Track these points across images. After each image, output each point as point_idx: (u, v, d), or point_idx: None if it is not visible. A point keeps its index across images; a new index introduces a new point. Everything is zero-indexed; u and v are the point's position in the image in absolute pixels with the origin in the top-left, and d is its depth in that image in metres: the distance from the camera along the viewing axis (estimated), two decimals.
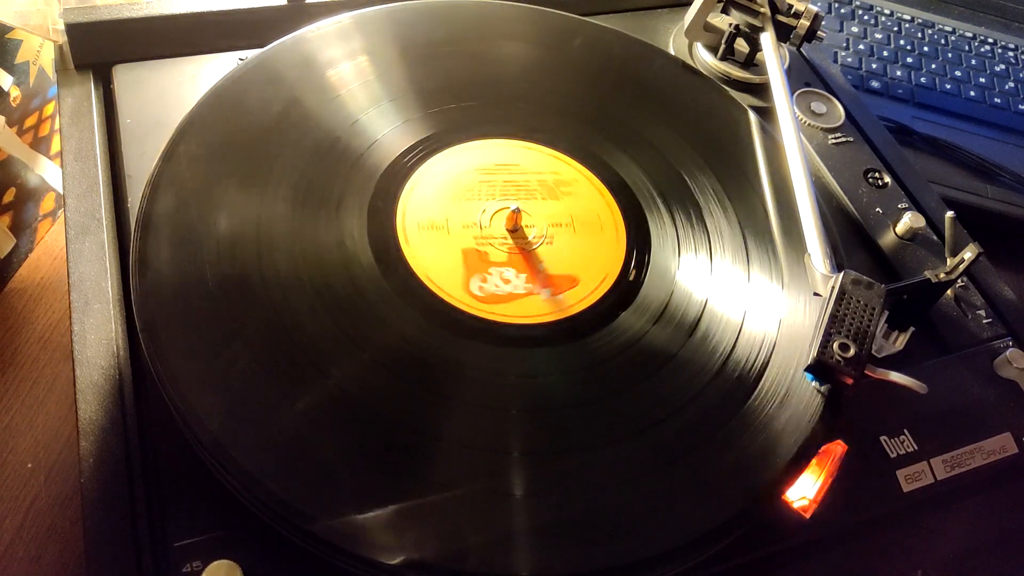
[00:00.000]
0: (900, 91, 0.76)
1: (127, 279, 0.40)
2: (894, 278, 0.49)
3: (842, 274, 0.39)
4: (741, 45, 0.57)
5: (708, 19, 0.57)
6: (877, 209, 0.52)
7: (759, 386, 0.40)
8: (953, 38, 0.83)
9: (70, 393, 0.51)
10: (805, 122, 0.56)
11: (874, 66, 0.77)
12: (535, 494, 0.36)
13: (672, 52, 0.59)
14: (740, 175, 0.49)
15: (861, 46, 0.79)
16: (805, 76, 0.60)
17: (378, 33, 0.51)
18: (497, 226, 0.45)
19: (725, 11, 0.57)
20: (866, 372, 0.37)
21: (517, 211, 0.44)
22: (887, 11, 0.84)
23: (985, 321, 0.48)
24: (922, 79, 0.77)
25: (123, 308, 0.41)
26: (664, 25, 0.62)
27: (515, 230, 0.45)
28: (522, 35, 0.54)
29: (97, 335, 0.40)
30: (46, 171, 0.59)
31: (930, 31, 0.83)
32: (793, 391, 0.40)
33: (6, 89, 0.54)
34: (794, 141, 0.48)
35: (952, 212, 0.48)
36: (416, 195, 0.45)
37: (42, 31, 0.51)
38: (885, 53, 0.79)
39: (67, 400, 0.51)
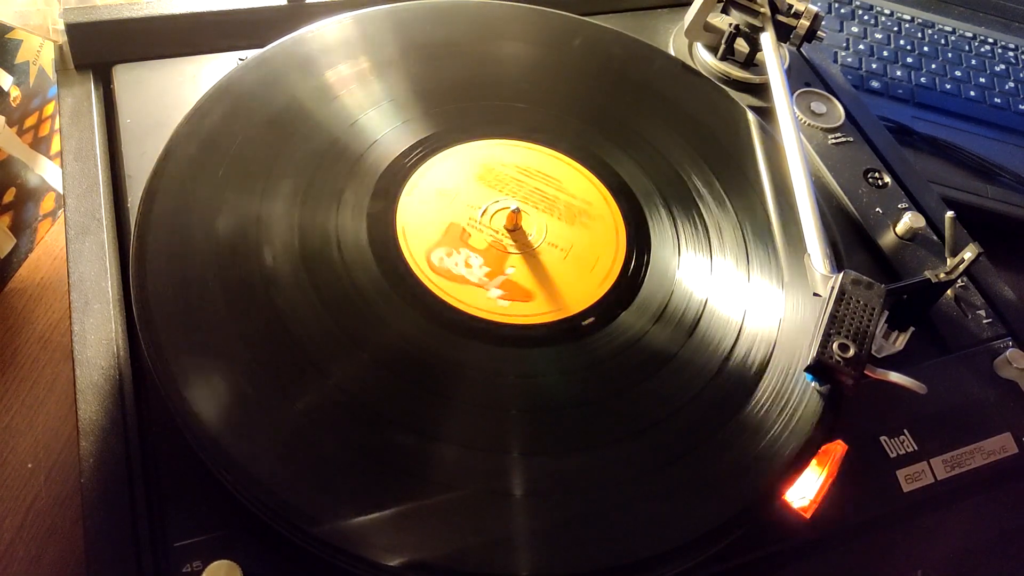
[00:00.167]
0: (900, 91, 0.76)
1: (127, 279, 0.40)
2: (894, 278, 0.49)
3: (842, 274, 0.39)
4: (741, 45, 0.57)
5: (708, 19, 0.57)
6: (877, 209, 0.52)
7: (759, 386, 0.40)
8: (953, 38, 0.83)
9: (70, 393, 0.51)
10: (805, 122, 0.56)
11: (874, 66, 0.77)
12: (535, 494, 0.36)
13: (672, 52, 0.59)
14: (740, 175, 0.49)
15: (861, 46, 0.79)
16: (805, 76, 0.60)
17: (378, 33, 0.51)
18: (499, 221, 0.45)
19: (725, 11, 0.57)
20: (866, 372, 0.37)
21: (517, 211, 0.44)
22: (887, 11, 0.84)
23: (985, 321, 0.48)
24: (922, 79, 0.77)
25: (123, 308, 0.41)
26: (664, 25, 0.62)
27: (515, 230, 0.45)
28: (522, 35, 0.54)
29: (97, 335, 0.40)
30: (46, 171, 0.59)
31: (930, 31, 0.83)
32: (793, 391, 0.40)
33: (6, 89, 0.54)
34: (794, 141, 0.48)
35: (952, 212, 0.48)
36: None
37: (42, 31, 0.51)
38: (885, 53, 0.79)
39: (67, 400, 0.51)
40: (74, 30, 0.50)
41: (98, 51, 0.51)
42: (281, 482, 0.34)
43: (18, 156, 0.56)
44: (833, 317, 0.38)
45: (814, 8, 0.54)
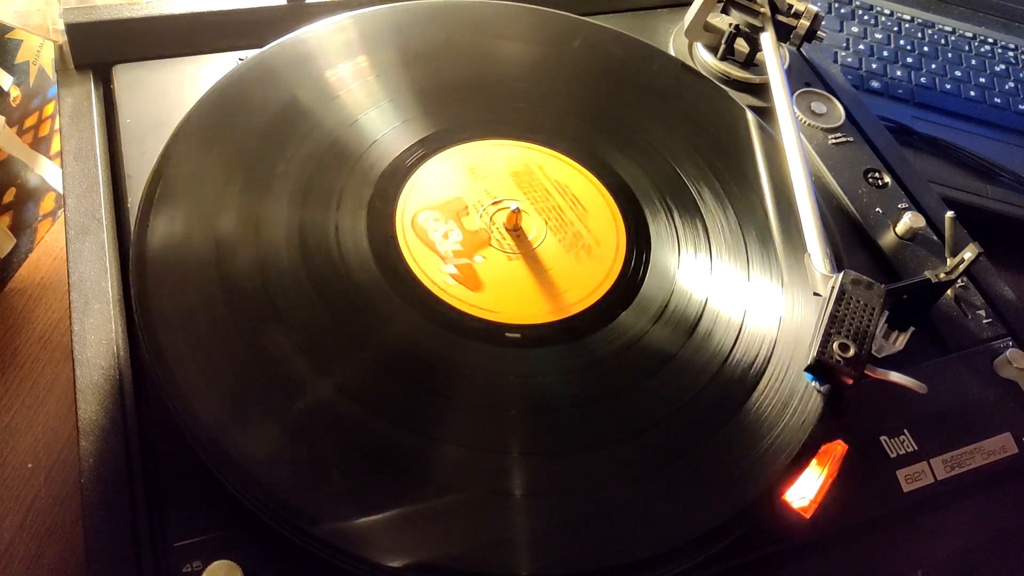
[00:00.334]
0: (900, 91, 0.76)
1: (127, 279, 0.41)
2: (894, 278, 0.49)
3: (842, 274, 0.39)
4: (741, 45, 0.57)
5: (708, 19, 0.57)
6: (877, 209, 0.52)
7: (759, 386, 0.40)
8: (953, 38, 0.83)
9: (70, 393, 0.51)
10: (805, 122, 0.56)
11: (874, 66, 0.77)
12: (535, 494, 0.36)
13: (672, 52, 0.59)
14: (740, 175, 0.49)
15: (861, 46, 0.79)
16: (805, 76, 0.60)
17: (378, 33, 0.51)
18: (503, 217, 0.45)
19: (725, 11, 0.57)
20: (866, 372, 0.37)
21: (517, 211, 0.44)
22: (887, 11, 0.84)
23: (985, 321, 0.48)
24: (922, 79, 0.77)
25: (123, 308, 0.41)
26: (664, 25, 0.62)
27: (515, 230, 0.45)
28: (522, 35, 0.54)
29: (97, 335, 0.40)
30: (46, 171, 0.59)
31: (930, 31, 0.83)
32: (793, 391, 0.40)
33: (6, 89, 0.54)
34: (794, 141, 0.48)
35: (952, 212, 0.48)
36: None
37: (42, 31, 0.51)
38: (885, 53, 0.79)
39: (67, 400, 0.51)
40: (74, 30, 0.50)
41: (98, 51, 0.51)
42: (281, 482, 0.34)
43: (18, 156, 0.56)
44: (833, 317, 0.38)
45: (814, 8, 0.54)
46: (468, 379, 0.39)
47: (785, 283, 0.44)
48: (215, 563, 0.33)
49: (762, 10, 0.55)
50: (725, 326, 0.42)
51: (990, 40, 0.83)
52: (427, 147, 0.47)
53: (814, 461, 0.39)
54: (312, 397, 0.37)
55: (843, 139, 0.56)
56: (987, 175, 0.69)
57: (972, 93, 0.77)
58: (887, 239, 0.51)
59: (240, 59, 0.51)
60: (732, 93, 0.55)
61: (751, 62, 0.58)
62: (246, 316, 0.38)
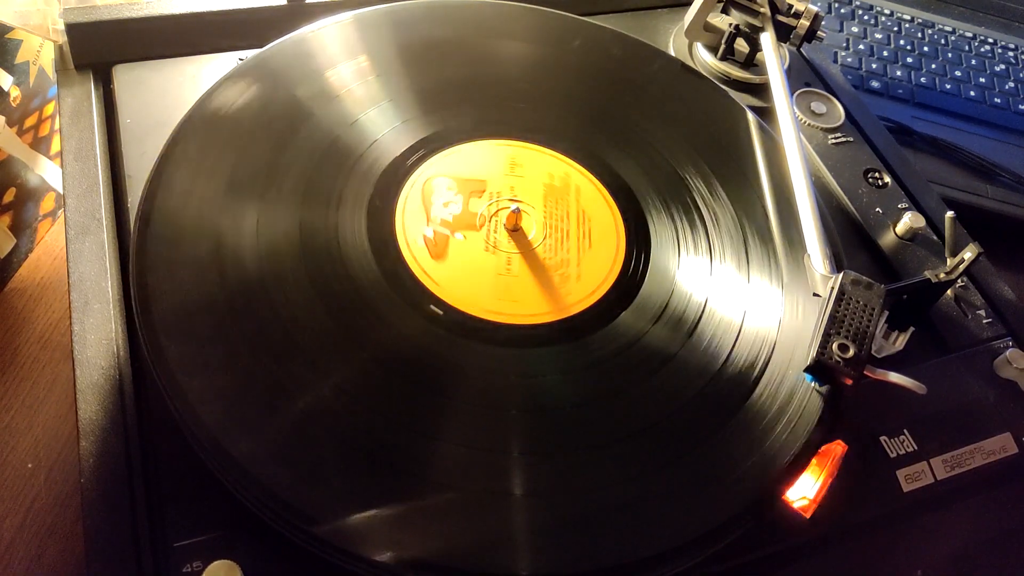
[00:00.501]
0: (900, 91, 0.76)
1: (127, 279, 0.40)
2: (894, 278, 0.49)
3: (841, 274, 0.39)
4: (741, 45, 0.57)
5: (708, 19, 0.57)
6: (877, 209, 0.52)
7: (759, 386, 0.40)
8: (953, 38, 0.83)
9: (70, 393, 0.51)
10: (805, 122, 0.56)
11: (874, 66, 0.77)
12: (535, 494, 0.36)
13: (672, 52, 0.59)
14: (740, 175, 0.49)
15: (861, 46, 0.79)
16: (805, 76, 0.60)
17: (378, 33, 0.51)
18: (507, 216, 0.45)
19: (725, 11, 0.57)
20: (865, 372, 0.37)
21: (517, 212, 0.44)
22: (887, 11, 0.84)
23: (985, 321, 0.48)
24: (922, 79, 0.77)
25: (123, 308, 0.41)
26: (664, 25, 0.62)
27: (515, 230, 0.45)
28: (522, 35, 0.54)
29: (97, 335, 0.40)
30: (46, 171, 0.59)
31: (930, 31, 0.83)
32: (793, 391, 0.40)
33: (6, 89, 0.54)
34: (794, 141, 0.48)
35: (952, 212, 0.48)
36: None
37: (42, 31, 0.51)
38: (885, 53, 0.79)
39: (67, 400, 0.51)
40: (74, 30, 0.50)
41: (98, 51, 0.51)
42: (281, 482, 0.34)
43: (18, 156, 0.56)
44: (833, 317, 0.38)
45: (814, 8, 0.54)
46: (468, 379, 0.39)
47: (785, 284, 0.44)
48: (215, 563, 0.33)
49: (762, 10, 0.55)
50: (725, 326, 0.42)
51: (990, 40, 0.83)
52: (427, 147, 0.47)
53: (814, 461, 0.39)
54: (312, 397, 0.37)
55: (843, 139, 0.56)
56: (987, 175, 0.69)
57: (972, 93, 0.77)
58: (887, 239, 0.51)
59: (240, 59, 0.51)
60: (732, 93, 0.55)
61: (751, 62, 0.58)
62: (246, 316, 0.38)
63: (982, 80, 0.79)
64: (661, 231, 0.46)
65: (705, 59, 0.58)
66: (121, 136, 0.47)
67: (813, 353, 0.37)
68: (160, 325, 0.37)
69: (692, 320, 0.42)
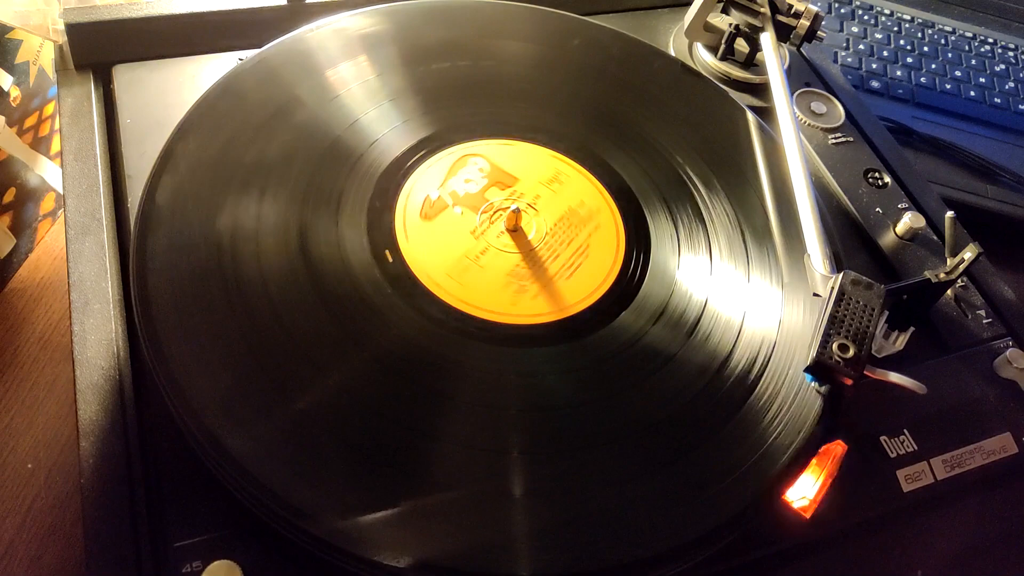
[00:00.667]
0: (900, 91, 0.76)
1: (127, 279, 0.41)
2: (894, 278, 0.49)
3: (841, 274, 0.39)
4: (741, 45, 0.57)
5: (708, 19, 0.57)
6: (877, 209, 0.52)
7: (759, 386, 0.40)
8: (953, 38, 0.83)
9: (70, 393, 0.51)
10: (805, 122, 0.56)
11: (874, 66, 0.77)
12: (535, 494, 0.36)
13: (672, 52, 0.59)
14: (740, 175, 0.49)
15: (861, 46, 0.79)
16: (805, 76, 0.60)
17: (378, 33, 0.51)
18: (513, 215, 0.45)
19: (725, 11, 0.57)
20: (865, 372, 0.37)
21: (517, 211, 0.44)
22: (887, 11, 0.84)
23: (985, 321, 0.48)
24: (922, 79, 0.77)
25: (123, 308, 0.41)
26: (664, 25, 0.62)
27: (515, 230, 0.45)
28: (522, 35, 0.54)
29: (97, 335, 0.40)
30: (46, 171, 0.59)
31: (930, 31, 0.83)
32: (793, 391, 0.40)
33: (6, 89, 0.54)
34: (794, 141, 0.48)
35: (952, 212, 0.48)
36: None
37: (42, 31, 0.51)
38: (885, 53, 0.79)
39: (67, 400, 0.51)
40: (74, 30, 0.50)
41: (98, 51, 0.51)
42: (281, 482, 0.34)
43: (18, 156, 0.56)
44: (833, 317, 0.38)
45: (814, 8, 0.54)
46: (468, 379, 0.39)
47: (785, 284, 0.44)
48: (215, 563, 0.33)
49: (762, 10, 0.55)
50: (725, 326, 0.42)
51: (990, 40, 0.83)
52: (427, 147, 0.47)
53: (814, 461, 0.39)
54: (312, 396, 0.37)
55: (843, 139, 0.56)
56: (987, 175, 0.69)
57: (972, 93, 0.77)
58: (887, 239, 0.51)
59: (240, 59, 0.51)
60: (732, 93, 0.55)
61: (751, 62, 0.58)
62: (246, 316, 0.38)
63: (982, 80, 0.79)
64: (661, 231, 0.46)
65: (705, 59, 0.58)
66: (121, 136, 0.47)
67: (813, 353, 0.37)
68: (160, 325, 0.37)
69: (692, 320, 0.42)
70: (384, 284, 0.41)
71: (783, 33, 0.55)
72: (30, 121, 0.57)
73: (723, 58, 0.58)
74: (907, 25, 0.83)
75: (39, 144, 0.58)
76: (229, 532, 0.34)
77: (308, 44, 0.50)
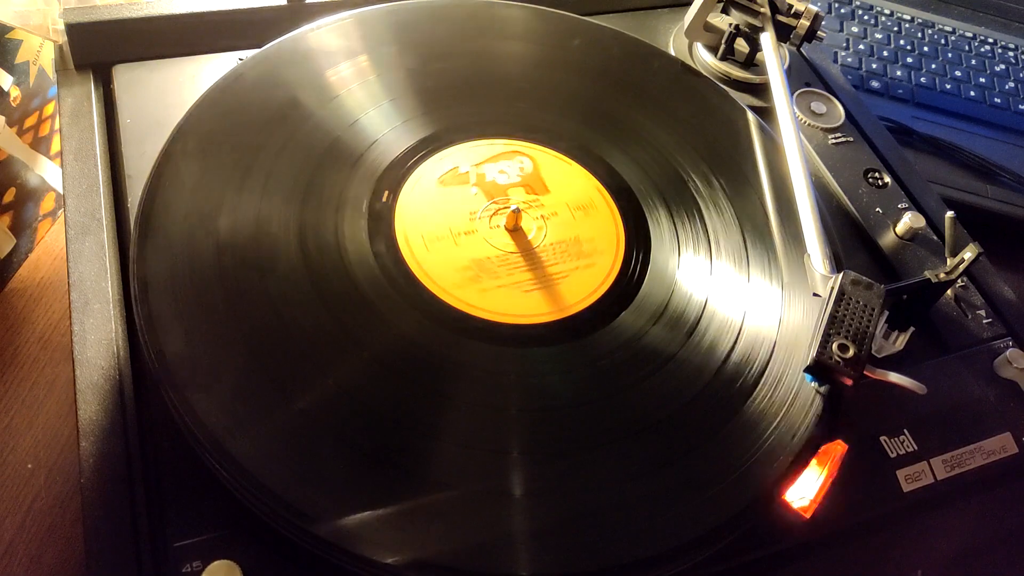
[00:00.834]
0: (900, 91, 0.76)
1: (127, 279, 0.41)
2: (894, 278, 0.49)
3: (841, 274, 0.39)
4: (741, 45, 0.57)
5: (708, 19, 0.57)
6: (877, 209, 0.52)
7: (759, 386, 0.40)
8: (953, 38, 0.83)
9: (70, 393, 0.51)
10: (805, 122, 0.56)
11: (874, 66, 0.77)
12: (535, 494, 0.36)
13: (672, 52, 0.59)
14: (740, 175, 0.49)
15: (861, 46, 0.79)
16: (805, 76, 0.60)
17: (378, 33, 0.51)
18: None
19: (725, 11, 0.57)
20: (866, 372, 0.37)
21: (517, 211, 0.44)
22: (887, 11, 0.84)
23: (985, 321, 0.48)
24: (922, 79, 0.77)
25: (123, 308, 0.41)
26: (664, 25, 0.62)
27: (515, 230, 0.45)
28: (522, 35, 0.54)
29: (97, 335, 0.40)
30: (46, 171, 0.59)
31: (930, 31, 0.83)
32: (793, 391, 0.40)
33: (6, 89, 0.54)
34: (794, 141, 0.48)
35: (952, 212, 0.48)
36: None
37: (42, 31, 0.51)
38: (885, 53, 0.79)
39: (67, 400, 0.51)
40: (74, 30, 0.50)
41: (98, 51, 0.51)
42: (281, 482, 0.34)
43: (18, 156, 0.56)
44: (833, 317, 0.38)
45: (814, 8, 0.54)
46: (468, 378, 0.39)
47: (785, 283, 0.44)
48: (215, 563, 0.33)
49: (762, 10, 0.55)
50: (725, 326, 0.42)
51: (990, 40, 0.83)
52: (427, 147, 0.47)
53: (814, 461, 0.39)
54: (312, 396, 0.37)
55: (843, 139, 0.56)
56: (987, 175, 0.69)
57: (972, 93, 0.77)
58: (887, 239, 0.51)
59: (240, 59, 0.51)
60: (732, 93, 0.55)
61: (751, 62, 0.58)
62: (246, 316, 0.38)
63: (982, 80, 0.79)
64: (661, 231, 0.46)
65: (705, 59, 0.58)
66: (121, 136, 0.47)
67: (813, 353, 0.37)
68: (160, 325, 0.37)
69: (692, 320, 0.42)
70: (384, 284, 0.41)
71: (783, 33, 0.55)
72: (30, 121, 0.57)
73: (723, 58, 0.58)
74: (907, 25, 0.83)
75: (39, 144, 0.58)
76: (229, 532, 0.34)
77: (308, 44, 0.50)
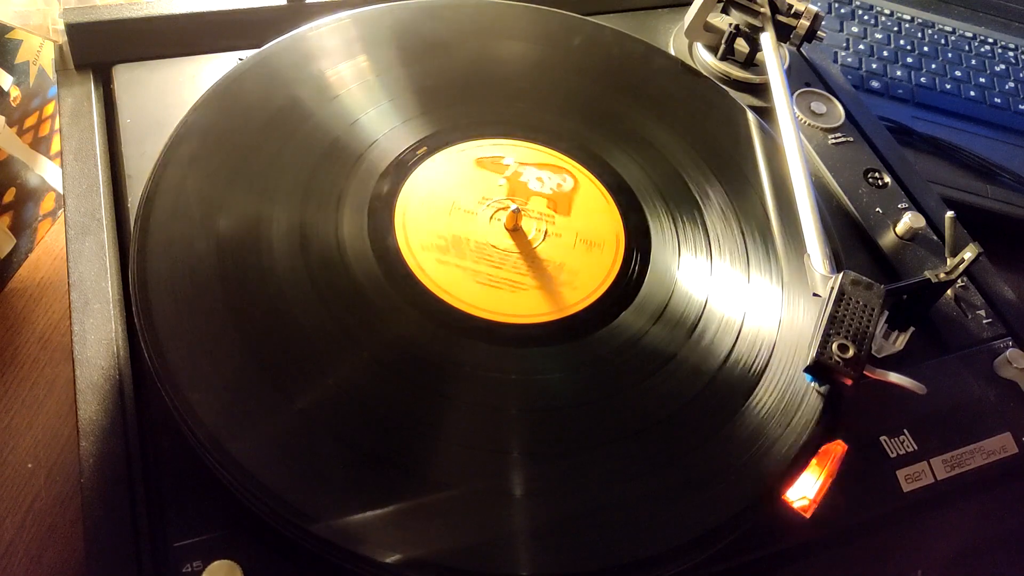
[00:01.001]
0: (900, 91, 0.76)
1: (127, 279, 0.40)
2: (894, 278, 0.49)
3: (841, 275, 0.39)
4: (741, 45, 0.57)
5: (708, 19, 0.57)
6: (877, 209, 0.52)
7: (759, 386, 0.40)
8: (953, 38, 0.83)
9: (70, 393, 0.51)
10: (805, 122, 0.56)
11: (874, 66, 0.77)
12: (535, 494, 0.36)
13: (672, 52, 0.59)
14: (740, 175, 0.49)
15: (861, 46, 0.79)
16: (805, 76, 0.60)
17: (378, 33, 0.51)
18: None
19: (725, 11, 0.57)
20: (866, 372, 0.37)
21: (517, 211, 0.44)
22: (887, 11, 0.84)
23: (985, 321, 0.48)
24: (922, 79, 0.77)
25: (123, 308, 0.41)
26: (664, 25, 0.62)
27: (515, 230, 0.45)
28: (522, 35, 0.54)
29: (97, 335, 0.40)
30: (46, 171, 0.59)
31: (930, 31, 0.83)
32: (793, 391, 0.40)
33: (6, 89, 0.54)
34: (794, 141, 0.48)
35: (952, 212, 0.48)
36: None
37: (42, 31, 0.51)
38: (885, 53, 0.79)
39: (67, 400, 0.51)
40: (74, 30, 0.50)
41: (98, 51, 0.51)
42: (281, 481, 0.34)
43: (18, 156, 0.56)
44: (833, 317, 0.38)
45: (814, 8, 0.54)
46: (468, 378, 0.39)
47: (785, 283, 0.44)
48: (215, 563, 0.33)
49: (762, 10, 0.55)
50: (725, 326, 0.42)
51: (990, 40, 0.83)
52: (427, 147, 0.47)
53: (814, 461, 0.39)
54: (312, 396, 0.37)
55: (843, 139, 0.56)
56: (987, 175, 0.69)
57: (972, 93, 0.77)
58: (887, 239, 0.51)
59: (240, 59, 0.51)
60: (732, 93, 0.55)
61: (751, 62, 0.58)
62: (246, 316, 0.38)
63: (982, 80, 0.79)
64: (661, 231, 0.46)
65: (705, 59, 0.58)
66: (121, 136, 0.47)
67: (813, 353, 0.37)
68: (160, 325, 0.37)
69: (692, 320, 0.42)
70: (384, 284, 0.41)
71: (783, 33, 0.55)
72: (30, 121, 0.57)
73: (723, 58, 0.58)
74: (907, 25, 0.83)
75: (39, 144, 0.58)
76: (229, 532, 0.34)
77: (308, 44, 0.50)
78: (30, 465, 0.49)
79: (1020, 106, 0.77)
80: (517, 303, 0.42)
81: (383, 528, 0.34)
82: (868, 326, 0.38)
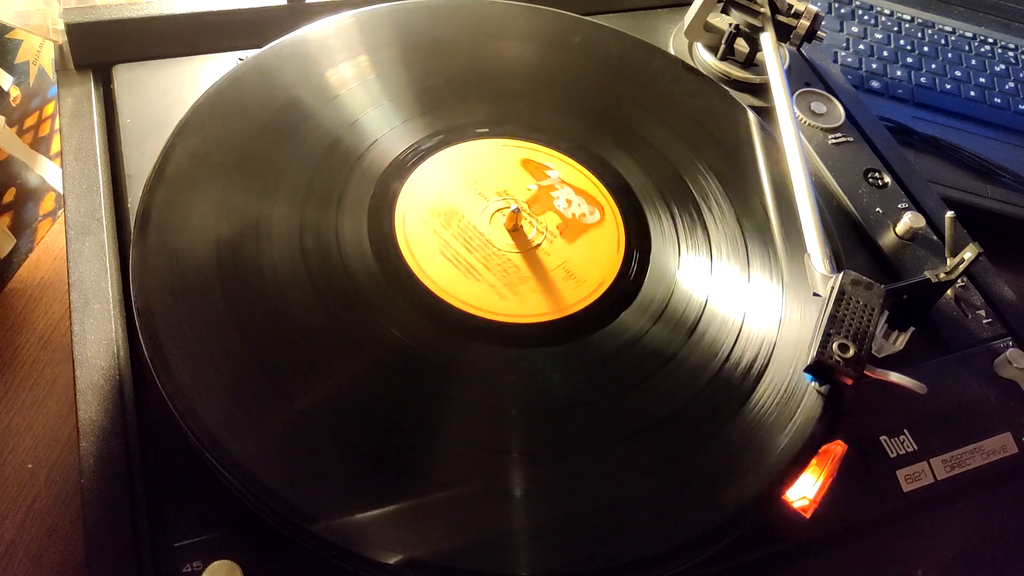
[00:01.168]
0: (900, 91, 0.76)
1: (127, 279, 0.40)
2: (894, 278, 0.49)
3: (841, 274, 0.39)
4: (741, 45, 0.57)
5: (708, 19, 0.57)
6: (877, 209, 0.52)
7: (759, 386, 0.40)
8: (953, 38, 0.83)
9: (70, 393, 0.51)
10: (805, 122, 0.56)
11: (874, 66, 0.77)
12: (535, 494, 0.36)
13: (672, 52, 0.59)
14: (740, 175, 0.49)
15: (861, 46, 0.79)
16: (805, 76, 0.60)
17: (378, 33, 0.51)
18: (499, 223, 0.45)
19: (725, 11, 0.57)
20: (866, 372, 0.37)
21: (517, 211, 0.44)
22: (887, 11, 0.84)
23: (985, 321, 0.48)
24: (922, 79, 0.77)
25: (123, 308, 0.41)
26: (664, 25, 0.62)
27: (515, 230, 0.45)
28: (522, 35, 0.54)
29: (97, 335, 0.40)
30: (46, 171, 0.59)
31: (930, 31, 0.83)
32: (793, 391, 0.40)
33: (6, 89, 0.54)
34: (794, 141, 0.48)
35: (952, 212, 0.48)
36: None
37: (42, 31, 0.51)
38: (885, 53, 0.79)
39: (67, 400, 0.51)
40: (74, 30, 0.50)
41: (98, 51, 0.51)
42: (281, 482, 0.34)
43: (18, 156, 0.56)
44: (833, 317, 0.38)
45: (814, 8, 0.54)
46: (468, 378, 0.39)
47: (785, 283, 0.44)
48: (215, 563, 0.33)
49: (762, 10, 0.55)
50: (725, 326, 0.42)
51: (990, 40, 0.83)
52: (427, 147, 0.47)
53: (814, 461, 0.39)
54: (312, 396, 0.37)
55: (843, 139, 0.56)
56: (987, 175, 0.69)
57: (972, 93, 0.77)
58: (887, 239, 0.51)
59: (240, 59, 0.51)
60: (732, 93, 0.55)
61: (751, 62, 0.58)
62: (246, 316, 0.38)
63: (982, 80, 0.79)
64: (661, 230, 0.46)
65: (705, 59, 0.58)
66: (121, 136, 0.47)
67: (813, 353, 0.37)
68: (160, 325, 0.37)
69: (692, 320, 0.42)
70: (384, 284, 0.41)
71: (783, 33, 0.55)
72: (30, 121, 0.57)
73: (723, 58, 0.58)
74: (907, 25, 0.83)
75: (39, 144, 0.58)
76: (229, 532, 0.34)
77: (308, 44, 0.50)
78: (30, 465, 0.49)
79: (1020, 106, 0.77)
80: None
81: (383, 528, 0.34)
82: (868, 326, 0.38)
